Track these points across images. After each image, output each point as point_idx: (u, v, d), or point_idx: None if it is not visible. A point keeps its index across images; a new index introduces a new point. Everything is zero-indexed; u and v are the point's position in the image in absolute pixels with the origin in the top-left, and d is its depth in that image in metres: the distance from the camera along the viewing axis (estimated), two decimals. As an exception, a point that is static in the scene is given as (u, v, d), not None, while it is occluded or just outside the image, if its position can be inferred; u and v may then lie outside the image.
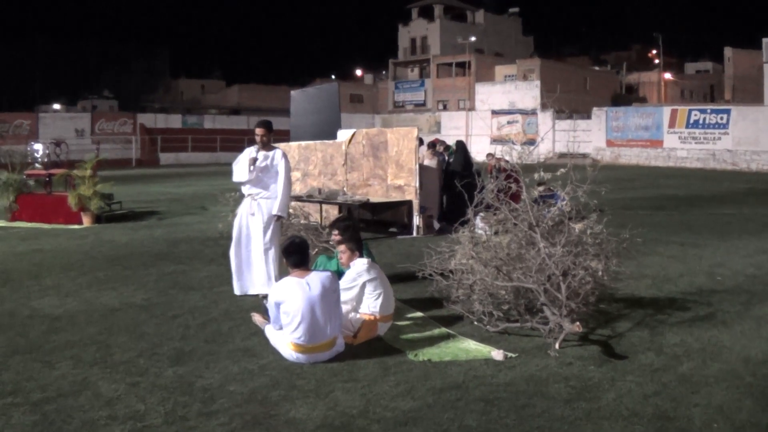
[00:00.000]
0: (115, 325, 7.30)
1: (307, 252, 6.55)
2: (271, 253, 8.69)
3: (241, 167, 8.72)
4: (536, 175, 7.90)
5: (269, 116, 63.83)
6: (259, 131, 8.69)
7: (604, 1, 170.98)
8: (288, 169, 8.80)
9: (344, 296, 6.70)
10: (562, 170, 7.25)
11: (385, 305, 6.81)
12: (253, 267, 8.65)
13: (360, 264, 6.93)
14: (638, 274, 9.14)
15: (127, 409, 5.04)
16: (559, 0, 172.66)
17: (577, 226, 7.07)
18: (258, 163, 8.63)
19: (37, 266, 10.66)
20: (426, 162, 14.92)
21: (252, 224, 8.68)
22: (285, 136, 20.21)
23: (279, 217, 8.75)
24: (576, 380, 5.60)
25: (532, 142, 47.79)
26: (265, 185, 8.70)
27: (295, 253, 6.37)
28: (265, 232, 8.66)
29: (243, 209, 8.78)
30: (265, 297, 7.54)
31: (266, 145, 8.74)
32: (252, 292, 8.59)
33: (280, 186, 8.67)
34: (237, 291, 8.64)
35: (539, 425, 4.78)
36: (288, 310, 6.06)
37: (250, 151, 8.74)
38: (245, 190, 8.81)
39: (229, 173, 8.92)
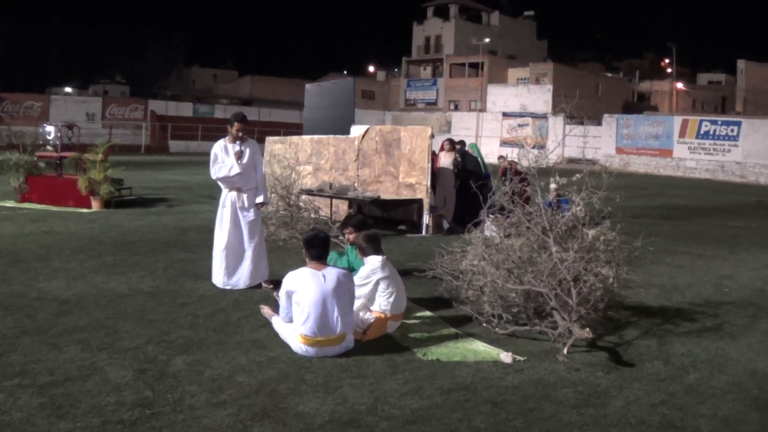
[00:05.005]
0: (123, 311, 7.31)
1: (329, 247, 6.58)
2: (263, 243, 8.88)
3: (224, 162, 8.66)
4: (551, 179, 7.89)
5: (280, 108, 63.85)
6: (239, 125, 8.63)
7: (619, 8, 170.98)
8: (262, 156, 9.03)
9: (357, 292, 6.67)
10: (578, 175, 7.23)
11: (397, 304, 6.82)
12: (250, 260, 8.63)
13: (374, 261, 6.91)
14: (647, 283, 9.11)
15: (135, 395, 5.04)
16: (574, 5, 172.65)
17: (591, 233, 7.05)
18: (243, 157, 8.63)
19: (45, 248, 10.67)
20: (442, 161, 14.88)
21: (244, 218, 8.71)
22: (298, 129, 20.22)
23: (263, 204, 8.87)
24: (584, 386, 5.60)
25: (542, 146, 47.80)
26: (250, 177, 8.75)
27: (318, 246, 6.40)
28: (257, 225, 8.77)
29: (230, 202, 8.71)
30: (275, 289, 7.56)
31: (242, 138, 8.75)
32: (246, 285, 8.55)
33: (260, 174, 8.84)
34: (227, 285, 8.53)
35: (547, 429, 4.78)
36: (300, 300, 6.07)
37: (225, 146, 8.71)
38: (228, 184, 8.75)
39: None
